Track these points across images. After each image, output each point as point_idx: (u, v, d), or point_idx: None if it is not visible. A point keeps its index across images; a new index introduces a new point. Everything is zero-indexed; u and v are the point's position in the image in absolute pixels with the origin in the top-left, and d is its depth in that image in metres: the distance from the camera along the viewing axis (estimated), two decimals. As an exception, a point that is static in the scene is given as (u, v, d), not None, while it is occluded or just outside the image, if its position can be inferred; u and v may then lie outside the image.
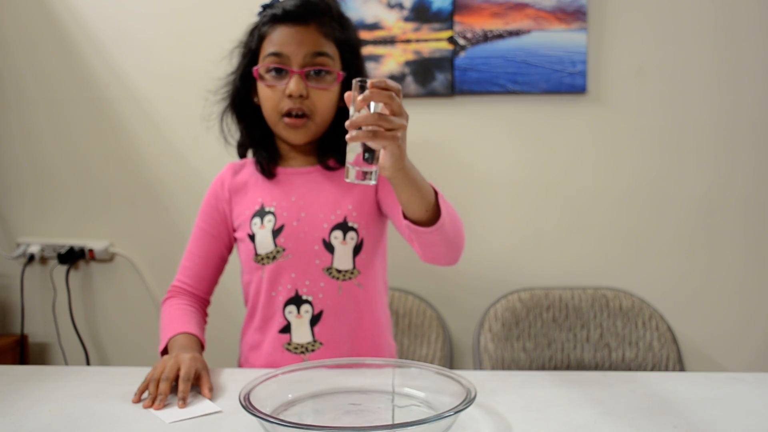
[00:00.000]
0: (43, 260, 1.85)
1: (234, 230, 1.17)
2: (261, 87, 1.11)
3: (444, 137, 1.73)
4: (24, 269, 1.83)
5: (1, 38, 1.81)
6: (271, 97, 1.09)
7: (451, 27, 1.70)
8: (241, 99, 1.16)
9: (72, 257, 1.80)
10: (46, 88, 1.81)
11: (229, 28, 1.74)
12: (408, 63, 1.71)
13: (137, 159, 1.80)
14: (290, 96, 1.07)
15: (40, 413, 0.86)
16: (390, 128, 0.77)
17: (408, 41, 1.70)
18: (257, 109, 1.15)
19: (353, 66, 1.13)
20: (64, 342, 1.84)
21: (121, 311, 1.85)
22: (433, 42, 1.70)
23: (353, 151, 0.80)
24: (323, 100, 1.09)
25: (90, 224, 1.83)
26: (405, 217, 0.93)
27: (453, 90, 1.71)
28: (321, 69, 1.08)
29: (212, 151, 1.78)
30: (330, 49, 1.09)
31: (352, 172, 0.80)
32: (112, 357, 1.87)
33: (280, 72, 1.08)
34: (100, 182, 1.82)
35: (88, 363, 1.83)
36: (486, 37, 1.69)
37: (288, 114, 1.09)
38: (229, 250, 1.20)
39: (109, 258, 1.83)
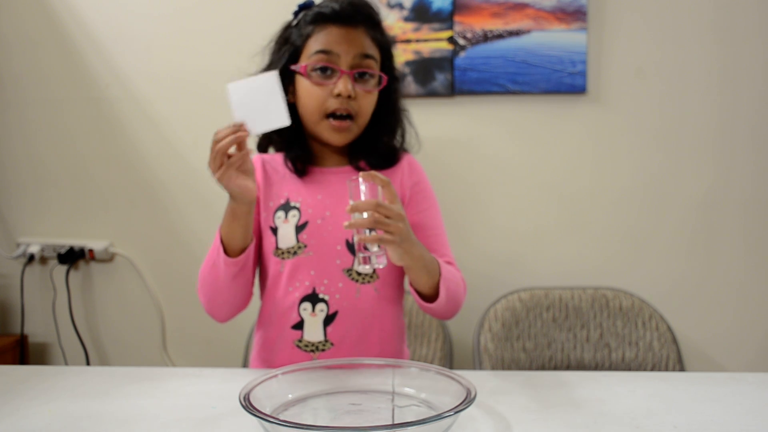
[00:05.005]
0: (43, 260, 1.85)
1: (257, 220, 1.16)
2: (304, 85, 1.10)
3: (444, 137, 1.73)
4: (24, 269, 1.83)
5: (1, 38, 1.82)
6: (317, 95, 1.08)
7: (451, 27, 1.70)
8: None
9: (72, 257, 1.80)
10: (46, 88, 1.81)
11: (230, 29, 1.76)
12: (408, 63, 1.71)
13: (137, 159, 1.81)
14: (338, 96, 1.07)
15: (40, 413, 0.86)
16: (386, 230, 0.89)
17: (408, 41, 1.70)
18: (291, 106, 1.14)
19: (390, 71, 1.14)
20: (64, 342, 1.85)
21: (121, 311, 1.85)
22: (433, 42, 1.70)
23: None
24: (367, 102, 1.10)
25: (90, 224, 1.83)
26: (411, 286, 1.05)
27: (453, 90, 1.71)
28: (368, 71, 1.09)
29: (212, 151, 1.78)
30: (375, 52, 1.10)
31: (371, 260, 0.91)
32: (112, 357, 1.87)
33: (327, 71, 1.08)
34: (100, 182, 1.82)
35: (88, 363, 1.83)
36: (486, 37, 1.69)
37: (333, 114, 1.09)
38: (258, 230, 1.17)
39: (109, 258, 1.83)
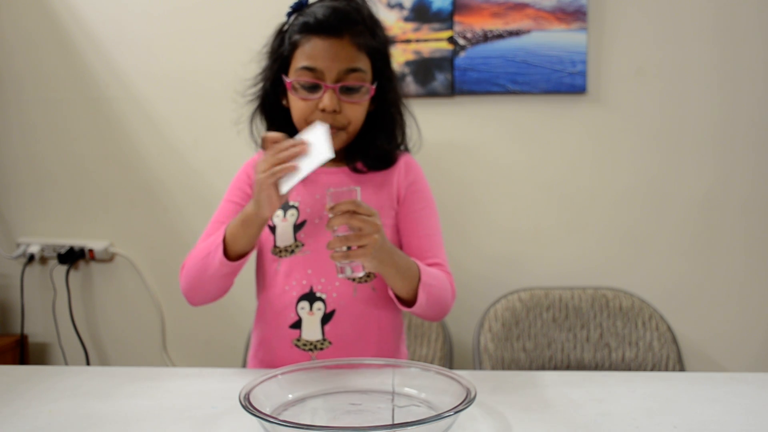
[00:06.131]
0: (43, 260, 1.85)
1: None
2: (292, 97, 1.10)
3: (444, 137, 1.73)
4: (24, 269, 1.83)
5: (1, 38, 1.82)
6: (303, 108, 1.08)
7: (451, 27, 1.70)
8: (270, 102, 1.15)
9: (72, 257, 1.80)
10: (46, 88, 1.81)
11: (229, 29, 1.76)
12: (408, 63, 1.71)
13: (137, 159, 1.81)
14: (323, 110, 1.06)
15: (40, 413, 0.86)
16: (359, 245, 0.92)
17: (408, 41, 1.70)
18: (286, 111, 1.14)
19: (384, 73, 1.13)
20: (64, 342, 1.85)
21: (121, 311, 1.85)
22: (433, 42, 1.70)
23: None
24: (355, 113, 1.10)
25: (90, 224, 1.83)
26: (390, 290, 1.06)
27: (453, 90, 1.71)
28: (354, 86, 1.07)
29: (212, 151, 1.78)
30: (363, 62, 1.08)
31: (346, 269, 0.96)
32: (112, 357, 1.87)
33: (311, 86, 1.07)
34: (100, 182, 1.82)
35: (88, 363, 1.83)
36: (486, 37, 1.69)
37: None
38: None
39: (109, 258, 1.83)
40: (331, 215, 0.93)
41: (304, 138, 0.98)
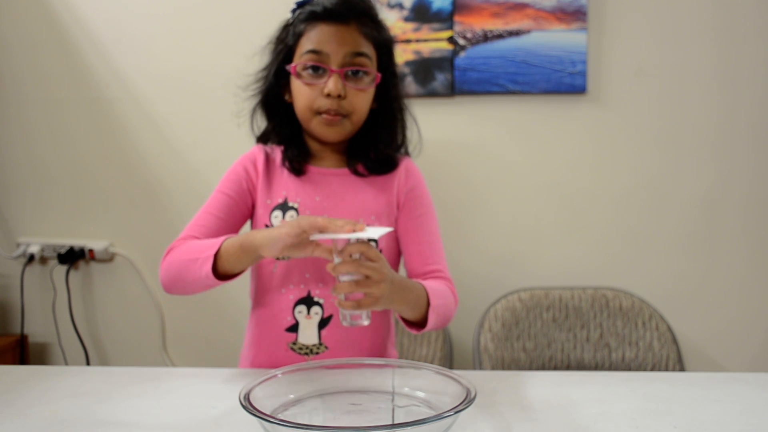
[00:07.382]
0: (43, 260, 1.85)
1: (252, 213, 1.14)
2: (297, 84, 1.09)
3: (444, 137, 1.73)
4: (24, 269, 1.83)
5: (1, 38, 1.82)
6: (307, 94, 1.07)
7: (451, 27, 1.70)
8: (273, 96, 1.14)
9: (72, 257, 1.80)
10: (46, 88, 1.81)
11: (230, 28, 1.76)
12: (408, 63, 1.71)
13: (137, 159, 1.81)
14: (328, 95, 1.05)
15: (40, 413, 0.86)
16: (368, 293, 0.90)
17: (408, 41, 1.70)
18: (288, 107, 1.14)
19: (388, 68, 1.13)
20: (64, 342, 1.85)
21: (121, 311, 1.85)
22: (433, 42, 1.70)
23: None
24: (360, 101, 1.09)
25: (90, 224, 1.83)
26: (399, 317, 1.05)
27: (453, 90, 1.71)
28: (360, 70, 1.07)
29: (211, 151, 1.78)
30: (368, 49, 1.08)
31: (347, 317, 0.93)
32: (112, 357, 1.87)
33: (318, 70, 1.06)
34: (100, 182, 1.82)
35: (88, 363, 1.83)
36: (486, 37, 1.69)
37: (325, 112, 1.08)
38: (245, 219, 1.14)
39: (109, 258, 1.83)
40: (338, 260, 0.90)
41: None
